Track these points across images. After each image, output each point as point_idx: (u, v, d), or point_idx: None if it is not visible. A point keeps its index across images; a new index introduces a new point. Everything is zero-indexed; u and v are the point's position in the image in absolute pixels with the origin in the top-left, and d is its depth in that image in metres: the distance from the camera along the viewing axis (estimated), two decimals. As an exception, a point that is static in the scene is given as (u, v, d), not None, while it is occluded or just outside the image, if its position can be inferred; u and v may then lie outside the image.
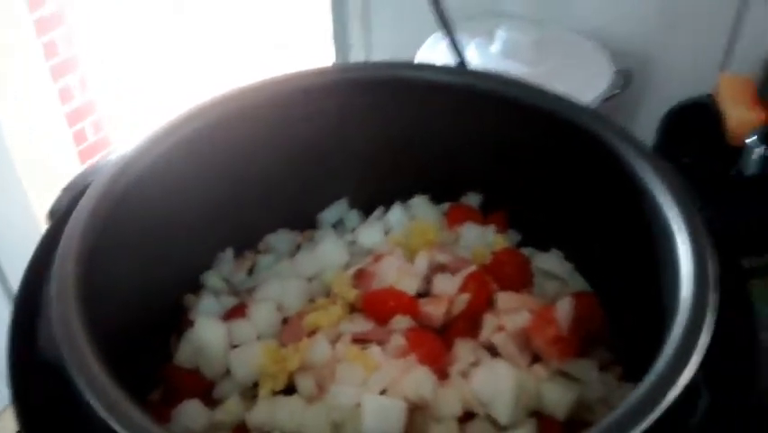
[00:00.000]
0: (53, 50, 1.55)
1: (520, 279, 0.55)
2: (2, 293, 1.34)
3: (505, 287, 0.54)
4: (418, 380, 0.46)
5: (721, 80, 0.85)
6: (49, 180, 1.32)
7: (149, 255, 0.53)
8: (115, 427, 0.36)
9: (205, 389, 0.52)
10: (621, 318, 0.54)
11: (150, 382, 0.54)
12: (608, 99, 0.90)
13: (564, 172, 0.57)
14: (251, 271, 0.62)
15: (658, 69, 0.98)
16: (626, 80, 0.94)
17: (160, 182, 0.53)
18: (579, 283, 0.57)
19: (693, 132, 0.84)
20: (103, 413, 0.36)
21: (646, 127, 0.88)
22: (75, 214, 0.47)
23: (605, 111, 0.90)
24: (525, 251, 0.60)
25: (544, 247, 0.60)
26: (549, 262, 0.58)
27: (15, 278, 1.32)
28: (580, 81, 0.88)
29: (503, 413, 0.45)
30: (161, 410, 0.50)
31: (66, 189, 0.54)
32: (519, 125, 0.58)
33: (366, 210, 0.66)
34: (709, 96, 0.85)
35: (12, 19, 1.40)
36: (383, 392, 0.47)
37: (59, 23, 1.56)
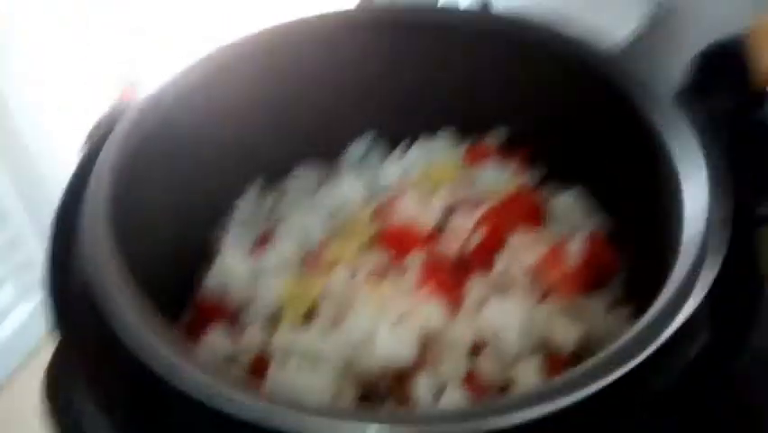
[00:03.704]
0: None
1: (533, 217, 0.56)
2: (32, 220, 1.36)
3: (519, 224, 0.55)
4: (431, 311, 0.49)
5: (755, 21, 0.83)
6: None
7: (179, 183, 0.56)
8: (131, 346, 0.38)
9: (230, 315, 0.55)
10: (635, 260, 0.55)
11: (179, 308, 0.57)
12: (638, 38, 0.89)
13: (584, 111, 0.57)
14: (277, 204, 0.64)
15: (691, 7, 0.96)
16: (658, 19, 0.93)
17: (190, 114, 0.55)
18: (597, 222, 0.58)
19: (726, 74, 0.83)
20: (124, 332, 0.39)
21: (678, 67, 0.87)
22: (107, 143, 0.49)
23: (635, 50, 0.89)
24: (547, 188, 0.61)
25: (566, 184, 0.61)
26: (568, 199, 0.59)
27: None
28: (609, 20, 0.87)
29: (511, 345, 0.48)
30: (189, 335, 0.53)
31: (100, 121, 0.57)
32: (540, 65, 0.59)
33: (391, 145, 0.67)
34: (743, 36, 0.83)
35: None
36: (397, 322, 0.49)
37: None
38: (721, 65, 0.82)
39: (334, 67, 0.63)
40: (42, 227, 0.47)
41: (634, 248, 0.56)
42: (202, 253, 0.60)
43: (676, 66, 0.91)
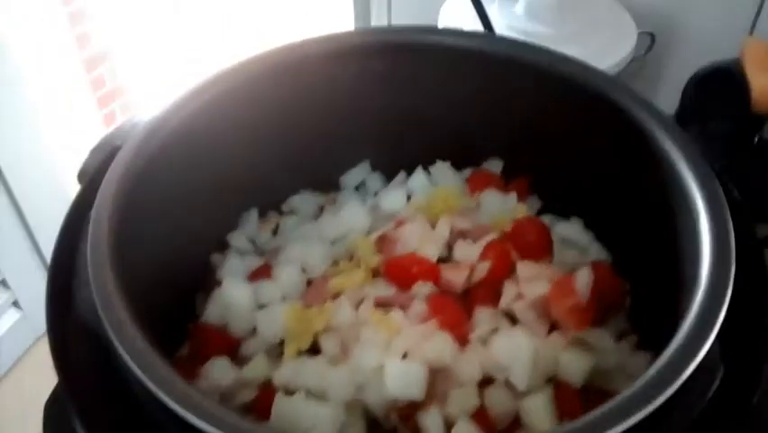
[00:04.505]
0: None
1: (540, 247, 0.55)
2: (32, 250, 1.37)
3: (525, 255, 0.55)
4: (439, 345, 0.48)
5: (746, 44, 0.83)
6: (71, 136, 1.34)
7: (177, 215, 0.54)
8: (150, 386, 0.37)
9: (232, 346, 0.54)
10: (639, 287, 0.55)
11: (178, 339, 0.56)
12: (631, 62, 0.89)
13: (585, 140, 0.57)
14: (275, 232, 0.63)
15: (683, 31, 0.97)
16: (650, 43, 0.94)
17: (186, 144, 0.54)
18: (598, 252, 0.58)
19: (719, 97, 0.83)
20: (138, 373, 0.38)
21: (670, 90, 0.87)
22: (107, 176, 0.48)
23: (629, 73, 0.90)
24: (546, 218, 0.60)
25: (564, 215, 0.61)
26: (569, 230, 0.59)
27: (43, 233, 1.35)
28: (604, 43, 0.87)
29: (521, 379, 0.47)
30: (189, 367, 0.52)
31: (94, 151, 0.55)
32: (541, 92, 0.58)
33: (388, 173, 0.67)
34: (736, 60, 0.84)
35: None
36: (405, 356, 0.48)
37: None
38: (715, 88, 0.83)
39: (332, 92, 0.62)
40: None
41: (634, 277, 0.55)
42: (200, 283, 0.59)
43: (667, 90, 0.92)
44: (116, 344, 0.39)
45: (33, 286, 1.40)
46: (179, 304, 0.57)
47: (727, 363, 0.40)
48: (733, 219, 0.45)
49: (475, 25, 0.80)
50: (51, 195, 1.32)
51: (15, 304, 1.40)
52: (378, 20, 1.12)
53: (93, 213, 0.45)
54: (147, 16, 1.68)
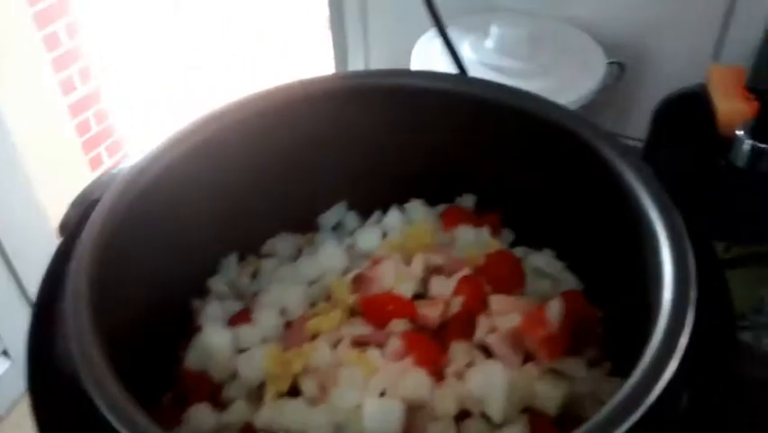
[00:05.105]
0: (55, 42, 1.57)
1: (512, 280, 0.57)
2: (19, 298, 1.38)
3: (498, 288, 0.56)
4: (416, 381, 0.49)
5: (711, 70, 0.86)
6: (56, 176, 1.35)
7: (156, 263, 0.55)
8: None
9: (213, 391, 0.54)
10: (610, 315, 0.56)
11: (163, 384, 0.56)
12: (602, 91, 0.92)
13: (553, 175, 0.59)
14: (254, 275, 0.64)
15: (651, 59, 0.99)
16: (620, 72, 0.96)
17: (164, 194, 0.55)
18: (570, 281, 0.59)
19: (686, 122, 0.85)
20: (118, 426, 0.39)
21: (642, 117, 0.89)
22: (86, 229, 0.49)
23: (600, 102, 0.92)
24: (519, 250, 0.62)
25: (536, 246, 0.62)
26: (541, 260, 0.60)
27: (31, 281, 1.37)
28: (574, 74, 0.90)
29: (497, 411, 0.48)
30: (174, 412, 0.52)
31: (73, 204, 0.57)
32: (509, 129, 0.60)
33: (365, 212, 0.68)
34: (702, 85, 0.86)
35: (11, 12, 1.42)
36: (383, 394, 0.49)
37: (61, 15, 1.58)
38: (683, 113, 0.85)
39: (309, 135, 0.63)
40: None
41: (606, 305, 0.57)
42: (181, 328, 0.60)
43: (638, 117, 0.94)
44: (94, 397, 0.40)
45: (22, 334, 1.40)
46: (164, 349, 0.58)
47: (693, 385, 0.41)
48: (694, 246, 0.46)
49: (447, 64, 0.82)
50: (39, 241, 1.33)
51: (5, 353, 1.41)
52: (354, 59, 1.14)
53: (71, 266, 0.46)
54: (136, 58, 1.71)
